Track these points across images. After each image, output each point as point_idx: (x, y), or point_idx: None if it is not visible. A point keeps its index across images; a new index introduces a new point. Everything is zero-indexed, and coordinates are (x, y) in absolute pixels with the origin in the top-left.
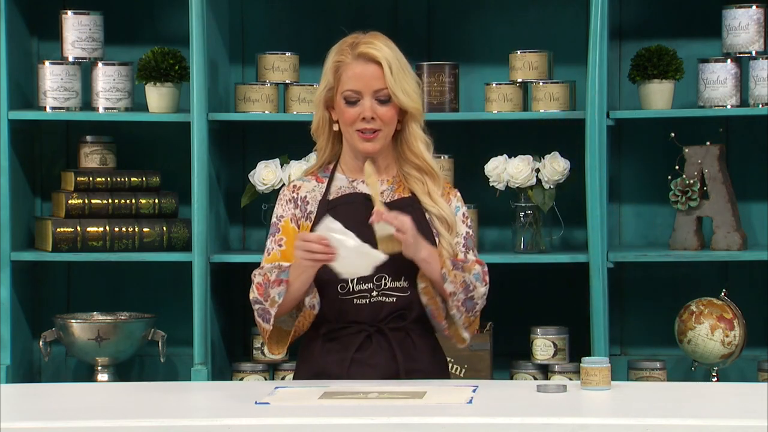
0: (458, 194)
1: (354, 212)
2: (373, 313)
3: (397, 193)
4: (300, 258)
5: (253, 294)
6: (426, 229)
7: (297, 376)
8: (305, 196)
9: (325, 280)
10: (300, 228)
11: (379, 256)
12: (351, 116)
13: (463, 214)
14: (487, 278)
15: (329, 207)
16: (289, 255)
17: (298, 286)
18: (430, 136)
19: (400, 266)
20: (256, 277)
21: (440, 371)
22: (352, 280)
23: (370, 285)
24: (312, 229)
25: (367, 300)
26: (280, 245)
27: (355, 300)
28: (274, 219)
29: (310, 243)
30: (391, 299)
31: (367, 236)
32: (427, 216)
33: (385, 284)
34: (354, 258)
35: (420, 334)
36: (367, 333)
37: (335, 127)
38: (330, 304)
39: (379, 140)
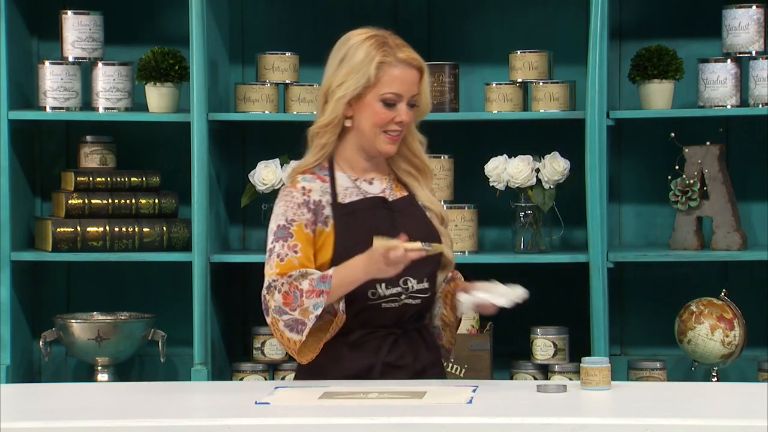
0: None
1: (375, 217)
2: (399, 316)
3: (397, 192)
4: (393, 270)
5: (276, 303)
6: (430, 228)
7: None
8: (319, 200)
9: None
10: (317, 234)
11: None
12: (386, 118)
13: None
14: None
15: (347, 212)
16: (305, 260)
17: (340, 295)
18: (424, 135)
19: (423, 268)
20: (281, 285)
21: (439, 363)
22: (381, 285)
23: (399, 289)
24: (337, 235)
25: (396, 304)
26: (295, 251)
27: (383, 304)
28: (282, 222)
29: (409, 256)
30: (416, 301)
31: (394, 238)
32: (428, 213)
33: (412, 287)
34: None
35: (427, 329)
36: (395, 336)
37: (347, 123)
38: (355, 311)
39: (398, 142)
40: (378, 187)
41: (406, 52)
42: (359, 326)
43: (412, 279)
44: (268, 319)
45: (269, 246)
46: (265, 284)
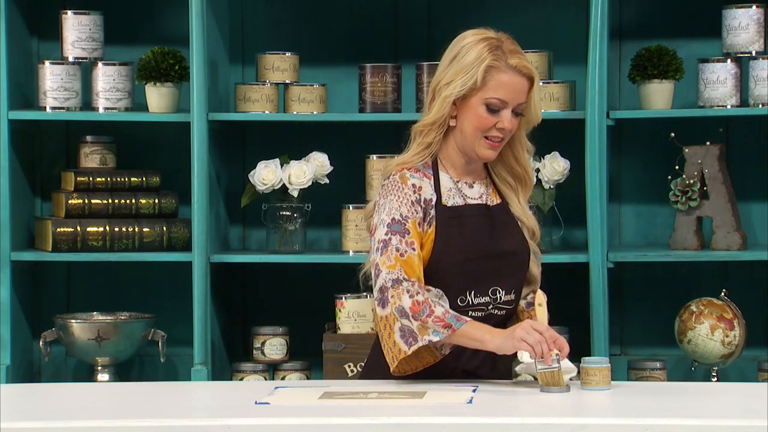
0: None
1: (480, 225)
2: None
3: (493, 197)
4: (511, 348)
5: (401, 304)
6: (523, 240)
7: (365, 374)
8: (429, 199)
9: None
10: (424, 233)
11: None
12: (488, 123)
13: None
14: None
15: (452, 216)
16: (419, 261)
17: (456, 343)
18: (533, 143)
19: (512, 280)
20: (415, 291)
21: (503, 371)
22: (470, 293)
23: (487, 299)
24: (438, 238)
25: (482, 313)
26: (413, 249)
27: (470, 312)
28: (397, 216)
29: (546, 343)
30: (501, 312)
31: (490, 249)
32: (519, 224)
33: (500, 298)
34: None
35: None
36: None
37: (452, 123)
38: None
39: (499, 149)
40: (477, 191)
41: (518, 59)
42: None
43: (501, 290)
44: (384, 312)
45: (382, 237)
46: (391, 276)
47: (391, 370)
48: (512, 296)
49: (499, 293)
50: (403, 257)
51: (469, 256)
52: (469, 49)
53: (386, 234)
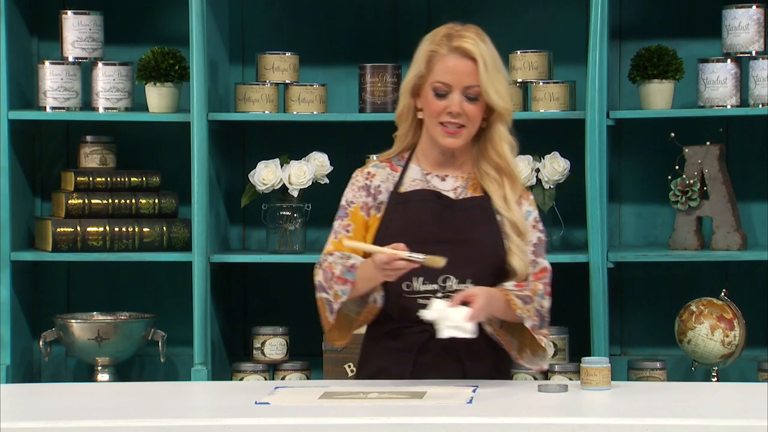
0: (531, 197)
1: (424, 209)
2: None
3: (470, 191)
4: (383, 276)
5: (318, 279)
6: (493, 232)
7: (358, 374)
8: (378, 185)
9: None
10: (371, 218)
11: (467, 331)
12: (437, 108)
13: (535, 219)
14: (549, 289)
15: (400, 201)
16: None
17: (363, 289)
18: (515, 138)
19: (469, 270)
20: (325, 263)
21: (504, 371)
22: (417, 280)
23: (435, 286)
24: (382, 222)
25: (430, 301)
26: (347, 231)
27: (419, 300)
28: (343, 201)
29: (393, 265)
30: (467, 304)
31: (434, 235)
32: (498, 218)
33: (450, 286)
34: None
35: (483, 334)
36: (430, 333)
37: (419, 115)
38: (394, 301)
39: (461, 137)
40: (450, 184)
41: (462, 41)
42: (397, 318)
43: (452, 278)
44: (317, 295)
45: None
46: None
47: (337, 344)
48: (467, 286)
49: (450, 281)
50: (336, 239)
51: (410, 239)
52: (421, 44)
53: (334, 221)
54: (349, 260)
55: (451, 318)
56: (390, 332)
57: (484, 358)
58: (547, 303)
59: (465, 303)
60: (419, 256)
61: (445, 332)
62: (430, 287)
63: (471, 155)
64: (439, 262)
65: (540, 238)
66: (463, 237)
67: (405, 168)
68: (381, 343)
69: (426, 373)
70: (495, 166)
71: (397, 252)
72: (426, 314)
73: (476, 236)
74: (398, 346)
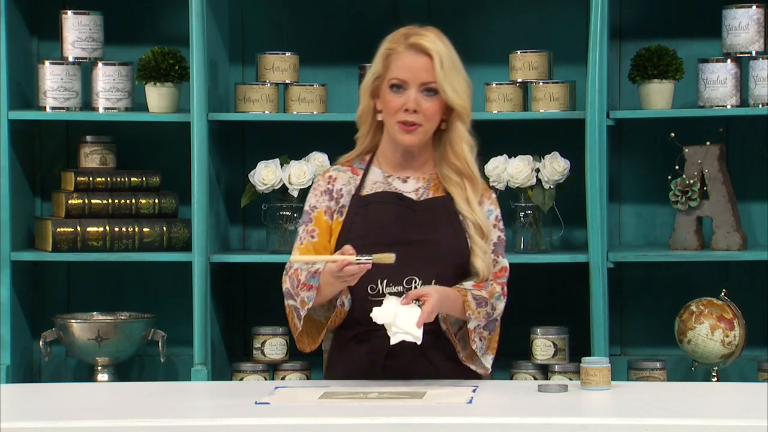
0: (493, 197)
1: (386, 211)
2: None
3: (432, 192)
4: (342, 282)
5: (285, 286)
6: (456, 233)
7: (327, 377)
8: (340, 189)
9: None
10: (334, 222)
11: (416, 336)
12: (394, 105)
13: (496, 218)
14: (506, 289)
15: (361, 204)
16: (320, 247)
17: (329, 294)
18: (475, 138)
19: (433, 271)
20: (289, 269)
21: (471, 372)
22: (382, 282)
23: (400, 288)
24: (344, 225)
25: (386, 297)
26: (312, 236)
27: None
28: (306, 207)
29: (345, 271)
30: (420, 302)
31: (397, 237)
32: (461, 218)
33: (415, 287)
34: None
35: (444, 334)
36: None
37: (379, 117)
38: (360, 305)
39: (418, 134)
40: (412, 185)
41: (417, 39)
42: (364, 322)
43: (417, 279)
44: (285, 302)
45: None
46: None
47: (306, 349)
48: (435, 286)
49: (416, 283)
50: (302, 245)
51: (372, 241)
52: (382, 43)
53: (299, 227)
54: (314, 266)
55: (400, 321)
56: (357, 336)
57: (455, 356)
58: (501, 305)
59: (418, 300)
60: (368, 258)
61: (394, 337)
62: (394, 289)
63: (432, 156)
64: (388, 259)
65: (500, 237)
66: (426, 238)
67: (366, 171)
68: (348, 348)
69: (396, 377)
70: (455, 169)
71: (345, 257)
72: (377, 317)
73: (439, 237)
74: (365, 350)
